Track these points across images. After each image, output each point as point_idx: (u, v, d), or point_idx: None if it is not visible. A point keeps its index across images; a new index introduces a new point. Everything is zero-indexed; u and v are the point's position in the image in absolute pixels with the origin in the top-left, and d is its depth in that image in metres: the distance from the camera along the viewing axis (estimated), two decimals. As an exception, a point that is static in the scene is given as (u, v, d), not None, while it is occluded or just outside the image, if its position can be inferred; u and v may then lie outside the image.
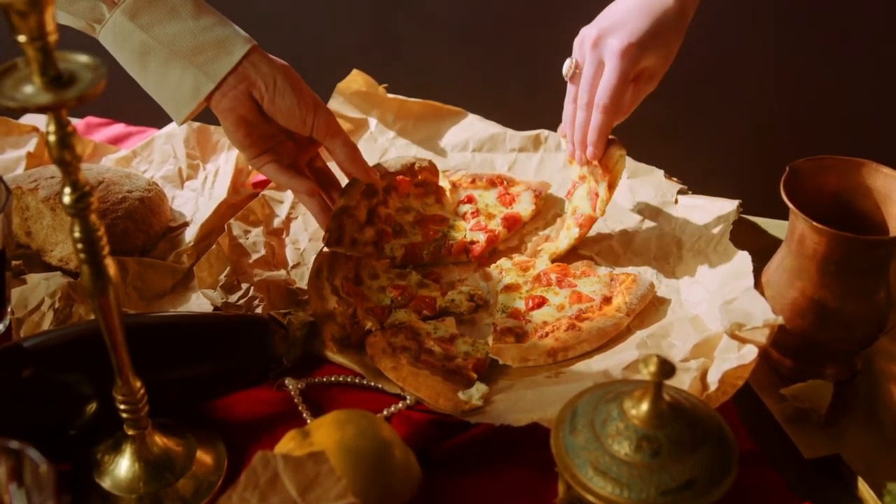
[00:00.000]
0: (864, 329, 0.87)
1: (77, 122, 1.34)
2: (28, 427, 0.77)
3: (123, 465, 0.77)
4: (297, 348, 0.91)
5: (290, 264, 1.07)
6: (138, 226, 1.05)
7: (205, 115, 1.26)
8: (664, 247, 1.07)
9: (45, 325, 0.92)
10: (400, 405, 0.86)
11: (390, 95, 1.27)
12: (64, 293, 0.94)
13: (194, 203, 1.17)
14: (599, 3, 1.00)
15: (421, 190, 1.13)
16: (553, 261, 1.06)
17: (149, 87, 0.97)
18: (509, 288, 1.01)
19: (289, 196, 1.16)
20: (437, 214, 1.11)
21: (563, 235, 1.07)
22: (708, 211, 1.07)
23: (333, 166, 1.08)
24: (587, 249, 1.08)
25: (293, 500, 0.61)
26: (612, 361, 0.89)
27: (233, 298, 0.98)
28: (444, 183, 1.18)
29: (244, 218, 1.10)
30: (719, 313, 0.87)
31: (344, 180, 1.06)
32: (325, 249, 1.01)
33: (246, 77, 0.95)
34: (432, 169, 1.14)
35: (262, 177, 1.24)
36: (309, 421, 0.84)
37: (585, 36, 0.98)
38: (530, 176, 1.20)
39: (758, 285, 0.91)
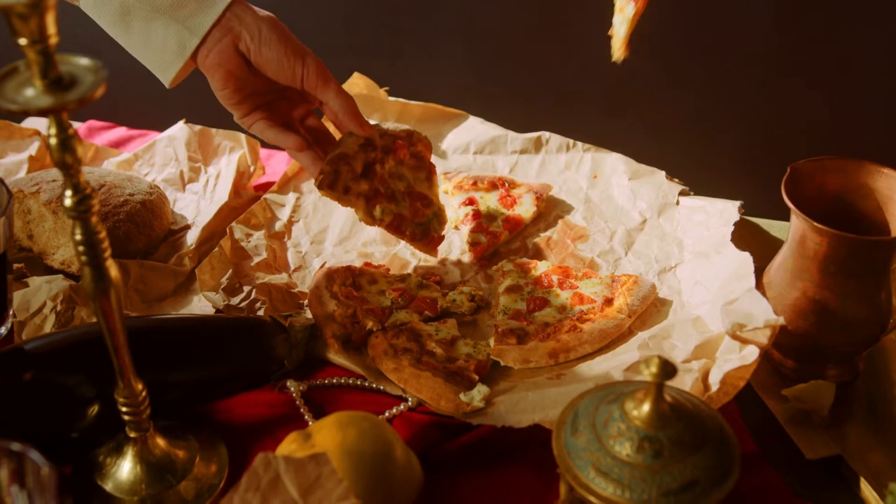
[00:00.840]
0: (865, 330, 0.87)
1: (78, 126, 1.35)
2: (30, 429, 0.77)
3: (125, 468, 0.77)
4: (298, 351, 0.91)
5: (292, 267, 1.08)
6: (140, 229, 1.06)
7: (206, 118, 1.27)
8: (666, 248, 1.07)
9: (47, 328, 0.92)
10: (402, 407, 0.86)
11: (392, 98, 1.27)
12: (66, 296, 0.94)
13: (196, 206, 1.17)
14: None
15: (414, 162, 1.09)
16: (617, 59, 0.94)
17: (134, 50, 0.96)
18: (511, 289, 1.01)
19: (290, 200, 1.17)
20: (426, 195, 1.08)
21: (618, 21, 0.98)
22: (709, 212, 1.07)
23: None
24: (589, 251, 1.08)
25: (294, 502, 0.61)
26: (614, 363, 0.89)
27: (234, 301, 0.98)
28: (445, 186, 1.18)
29: (246, 221, 1.10)
30: (721, 314, 0.87)
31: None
32: (317, 190, 0.99)
33: (230, 29, 0.93)
34: (427, 144, 1.10)
35: (263, 180, 1.25)
36: (310, 423, 0.84)
37: None
38: (532, 178, 1.20)
39: (759, 286, 0.90)
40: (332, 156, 1.00)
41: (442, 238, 1.08)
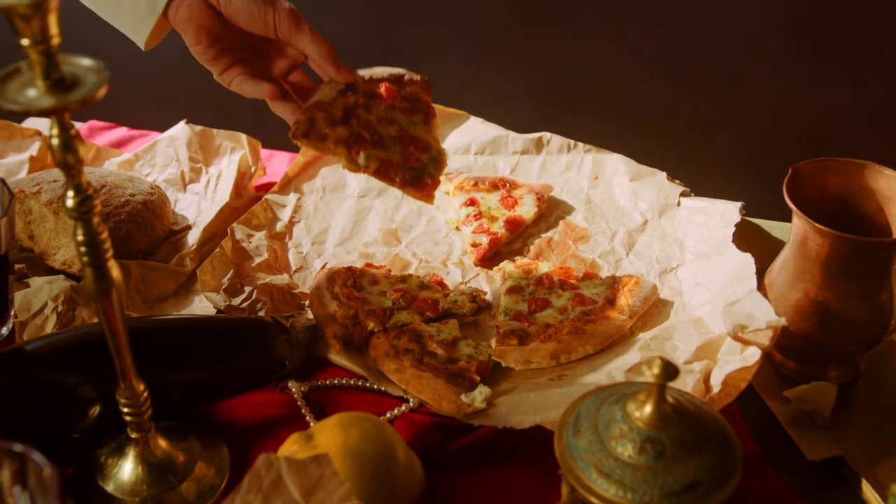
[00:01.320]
0: (867, 331, 0.87)
1: (80, 126, 1.35)
2: (31, 430, 0.77)
3: (127, 469, 0.77)
4: (300, 351, 0.91)
5: (293, 268, 1.08)
6: (141, 229, 1.06)
7: (207, 119, 1.27)
8: (667, 249, 1.07)
9: (49, 329, 0.92)
10: (403, 408, 0.86)
11: (392, 98, 1.27)
12: (67, 296, 0.94)
13: (197, 206, 1.17)
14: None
15: (408, 105, 1.01)
16: None
17: (104, 12, 0.94)
18: (512, 290, 1.01)
19: (291, 200, 1.17)
20: (422, 139, 1.00)
21: None
22: (710, 213, 1.07)
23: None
24: (590, 252, 1.08)
25: (296, 503, 0.61)
26: (615, 364, 0.89)
27: (236, 302, 0.98)
28: (446, 186, 1.18)
29: (247, 222, 1.10)
30: (722, 315, 0.87)
31: None
32: (292, 139, 0.95)
33: None
34: (424, 86, 1.02)
35: (264, 180, 1.25)
36: (312, 424, 0.84)
37: None
38: (533, 178, 1.20)
39: (761, 287, 0.90)
40: (308, 104, 0.96)
41: (438, 183, 1.00)
